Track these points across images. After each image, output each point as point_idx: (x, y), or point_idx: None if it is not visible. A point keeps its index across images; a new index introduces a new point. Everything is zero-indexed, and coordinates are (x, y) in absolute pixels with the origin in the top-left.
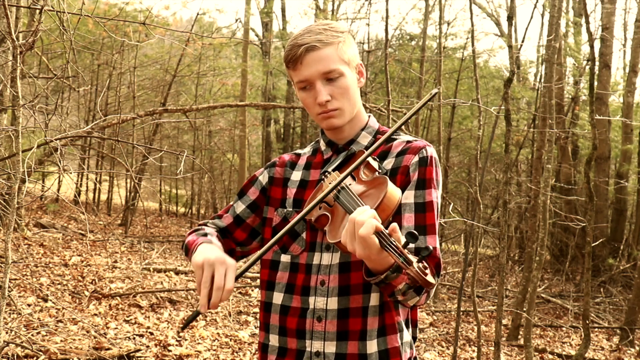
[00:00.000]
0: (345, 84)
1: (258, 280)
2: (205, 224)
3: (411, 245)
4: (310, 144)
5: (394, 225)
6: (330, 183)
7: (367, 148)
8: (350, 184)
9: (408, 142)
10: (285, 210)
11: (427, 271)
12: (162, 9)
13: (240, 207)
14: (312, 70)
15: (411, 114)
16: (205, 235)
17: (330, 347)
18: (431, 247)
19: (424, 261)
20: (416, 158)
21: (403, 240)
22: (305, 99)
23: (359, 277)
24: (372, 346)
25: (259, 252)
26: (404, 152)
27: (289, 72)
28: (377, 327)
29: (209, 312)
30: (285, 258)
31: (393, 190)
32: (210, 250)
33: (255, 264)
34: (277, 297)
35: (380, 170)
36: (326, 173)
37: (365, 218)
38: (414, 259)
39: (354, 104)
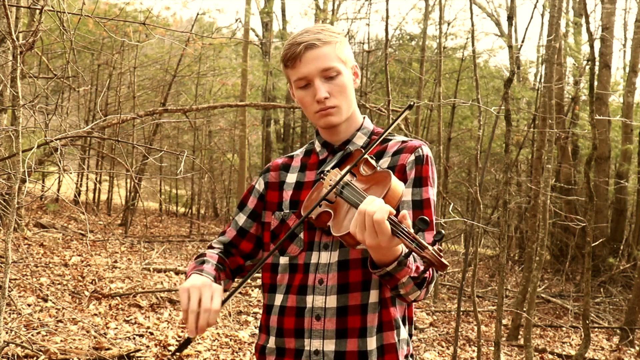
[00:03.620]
0: (343, 82)
1: (258, 280)
2: (210, 247)
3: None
4: (304, 147)
5: (404, 212)
6: (330, 181)
7: (363, 148)
8: (352, 181)
9: (403, 141)
10: (282, 212)
11: (442, 254)
12: (162, 9)
13: (241, 218)
14: (311, 67)
15: (398, 117)
16: (203, 263)
17: (330, 345)
18: (442, 232)
19: (437, 244)
20: (412, 157)
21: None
22: (303, 97)
23: (357, 274)
24: (372, 343)
25: (259, 262)
26: (400, 152)
27: (286, 71)
28: (376, 324)
29: (199, 337)
30: (283, 260)
31: (397, 184)
32: (197, 278)
33: (243, 285)
34: (278, 299)
35: (379, 168)
36: (325, 172)
37: (377, 206)
38: (426, 243)
39: (351, 103)
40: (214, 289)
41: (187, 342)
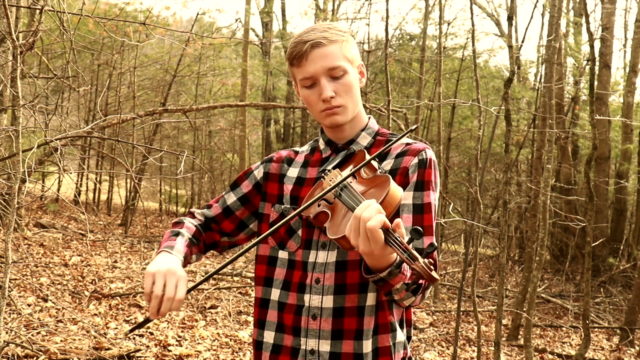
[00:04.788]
0: (349, 82)
1: None
2: (192, 214)
3: (413, 243)
4: (309, 143)
5: (398, 220)
6: (330, 180)
7: (366, 148)
8: (351, 182)
9: (407, 144)
10: (282, 206)
11: (432, 267)
12: (162, 9)
13: (231, 198)
14: (317, 66)
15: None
16: (177, 235)
17: (325, 346)
18: (435, 244)
19: (429, 257)
20: (415, 160)
21: (407, 237)
22: (309, 96)
23: (355, 276)
24: (367, 346)
25: (243, 250)
26: (403, 154)
27: (292, 69)
28: (372, 326)
29: (160, 318)
30: (282, 254)
31: (395, 189)
32: (165, 260)
33: (216, 274)
34: (275, 294)
35: (380, 170)
36: (326, 171)
37: (372, 213)
38: (418, 255)
39: (356, 102)
40: (179, 277)
41: (147, 321)
